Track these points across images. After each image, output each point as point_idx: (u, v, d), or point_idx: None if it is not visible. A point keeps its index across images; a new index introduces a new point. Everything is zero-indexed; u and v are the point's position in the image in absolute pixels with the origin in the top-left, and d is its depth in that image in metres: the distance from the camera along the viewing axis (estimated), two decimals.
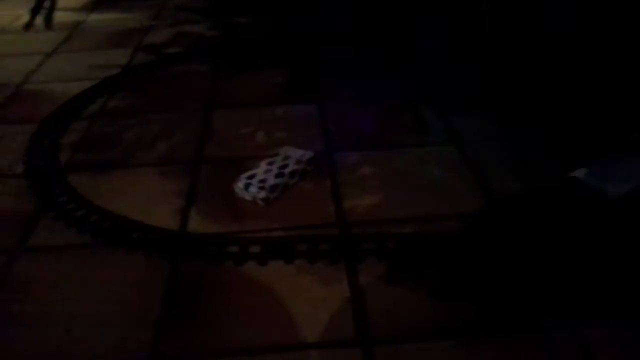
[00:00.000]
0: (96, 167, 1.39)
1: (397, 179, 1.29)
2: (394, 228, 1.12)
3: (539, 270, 1.00)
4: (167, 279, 1.03)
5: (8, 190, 1.31)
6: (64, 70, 1.96)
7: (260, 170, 1.28)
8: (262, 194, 1.21)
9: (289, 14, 1.94)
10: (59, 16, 2.62)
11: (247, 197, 1.23)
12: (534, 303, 0.95)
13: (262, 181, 1.24)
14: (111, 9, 2.56)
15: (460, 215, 1.15)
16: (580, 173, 1.19)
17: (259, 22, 2.19)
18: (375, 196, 1.23)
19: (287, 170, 1.27)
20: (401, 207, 1.19)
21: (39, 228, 1.18)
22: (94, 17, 2.50)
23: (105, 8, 2.62)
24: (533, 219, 1.11)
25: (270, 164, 1.30)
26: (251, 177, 1.25)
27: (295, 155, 1.32)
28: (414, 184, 1.26)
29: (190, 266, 1.07)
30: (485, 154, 1.35)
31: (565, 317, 0.93)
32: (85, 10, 2.61)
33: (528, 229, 1.08)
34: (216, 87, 1.79)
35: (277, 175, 1.26)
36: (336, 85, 1.73)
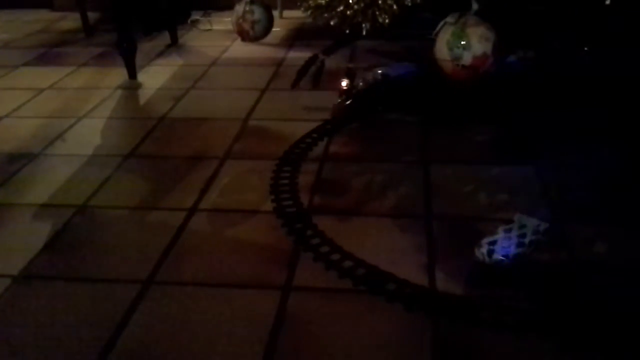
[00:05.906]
0: (335, 212, 1.53)
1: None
2: None
3: None
4: (432, 337, 1.13)
5: (264, 226, 1.48)
6: (280, 109, 2.16)
7: (500, 237, 1.35)
8: (506, 262, 1.28)
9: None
10: (261, 51, 2.86)
11: (489, 262, 1.30)
12: None
13: (504, 248, 1.31)
14: (306, 47, 2.76)
15: None
16: None
17: None
18: (610, 276, 1.26)
19: (526, 240, 1.34)
20: None
21: (301, 267, 1.32)
22: (293, 55, 2.72)
23: (301, 47, 2.83)
24: None
25: (507, 231, 1.37)
26: (492, 243, 1.33)
27: (531, 224, 1.38)
28: None
29: (449, 327, 1.16)
30: None
31: None
32: (284, 47, 2.84)
33: None
34: (426, 140, 1.89)
35: (518, 245, 1.32)
36: (551, 145, 1.78)
